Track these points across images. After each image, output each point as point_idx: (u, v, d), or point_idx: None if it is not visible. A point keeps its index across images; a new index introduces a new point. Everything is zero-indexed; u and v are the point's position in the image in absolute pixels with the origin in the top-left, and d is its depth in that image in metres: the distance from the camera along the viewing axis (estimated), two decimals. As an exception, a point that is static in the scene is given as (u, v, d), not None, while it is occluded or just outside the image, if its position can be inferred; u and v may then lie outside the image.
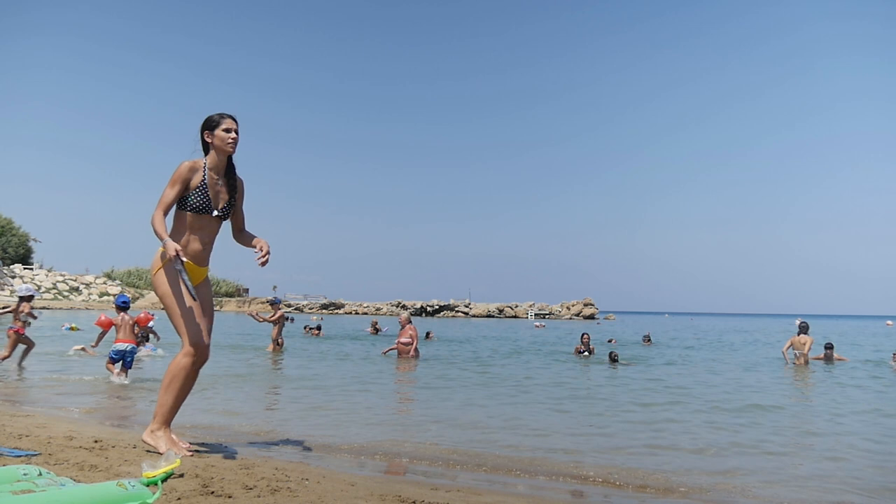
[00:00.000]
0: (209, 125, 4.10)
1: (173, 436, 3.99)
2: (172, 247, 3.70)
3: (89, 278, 65.14)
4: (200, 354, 3.97)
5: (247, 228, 4.40)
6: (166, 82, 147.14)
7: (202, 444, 4.46)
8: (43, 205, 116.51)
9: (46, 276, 61.52)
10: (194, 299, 3.89)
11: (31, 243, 66.88)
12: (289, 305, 68.21)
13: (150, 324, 11.71)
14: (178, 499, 2.85)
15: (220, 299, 71.64)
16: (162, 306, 4.04)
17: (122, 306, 9.09)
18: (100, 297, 62.87)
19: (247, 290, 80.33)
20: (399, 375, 10.91)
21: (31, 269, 62.17)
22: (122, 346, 8.71)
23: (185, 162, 3.99)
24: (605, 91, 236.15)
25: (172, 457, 3.11)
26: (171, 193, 3.92)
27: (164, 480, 2.92)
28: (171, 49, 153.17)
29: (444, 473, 4.32)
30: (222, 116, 4.11)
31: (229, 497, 2.97)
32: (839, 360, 14.61)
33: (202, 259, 4.12)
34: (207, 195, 4.01)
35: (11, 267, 60.10)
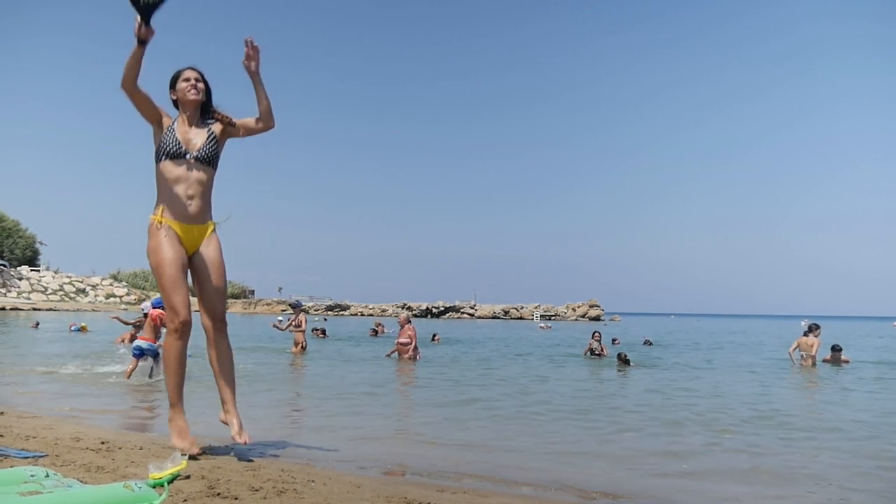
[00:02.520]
0: (171, 84, 4.00)
1: (183, 424, 3.92)
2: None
3: (95, 280, 65.46)
4: (181, 327, 3.74)
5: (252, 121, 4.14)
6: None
7: (208, 446, 4.46)
8: (49, 207, 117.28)
9: (53, 277, 61.82)
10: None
11: (38, 245, 67.18)
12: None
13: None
14: (185, 500, 2.86)
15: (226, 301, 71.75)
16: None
17: (158, 306, 9.20)
18: (106, 298, 63.10)
19: (252, 292, 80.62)
20: (403, 378, 10.90)
21: (38, 270, 62.47)
22: (142, 343, 8.99)
23: None
24: (607, 91, 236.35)
25: (179, 458, 3.11)
26: (143, 96, 3.80)
27: (170, 482, 2.92)
28: (173, 50, 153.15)
29: (449, 476, 4.32)
30: (180, 71, 3.99)
31: (235, 499, 2.97)
32: (844, 361, 14.48)
33: (190, 216, 3.85)
34: (176, 137, 3.81)
35: (18, 269, 60.35)
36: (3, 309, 45.64)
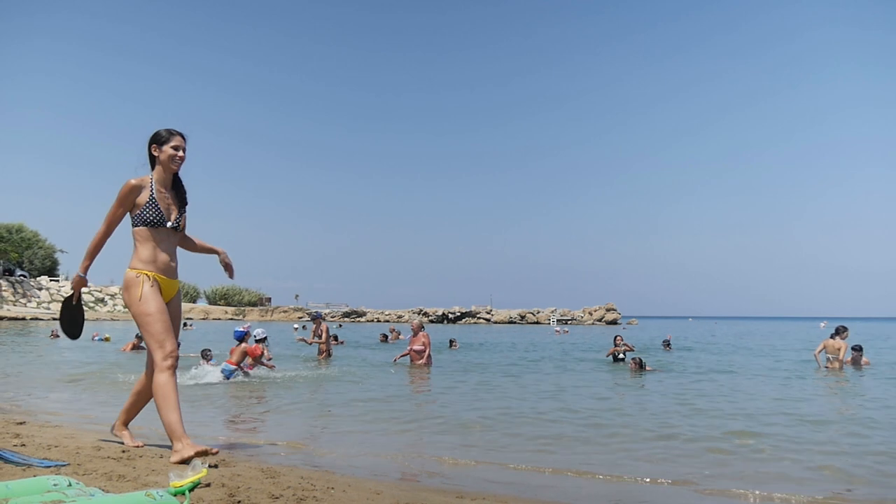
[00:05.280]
0: (157, 140, 4.20)
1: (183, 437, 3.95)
2: (74, 283, 4.19)
3: (114, 289, 65.94)
4: (173, 362, 4.04)
5: (191, 235, 4.57)
6: (178, 95, 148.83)
7: (229, 453, 4.47)
8: (67, 216, 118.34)
9: (72, 287, 62.34)
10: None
11: (58, 255, 67.83)
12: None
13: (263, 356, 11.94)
14: (206, 508, 2.86)
15: (243, 308, 72.16)
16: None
17: (238, 338, 11.12)
18: (124, 307, 63.51)
19: (269, 300, 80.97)
20: (420, 386, 10.88)
21: (57, 280, 63.01)
22: (226, 366, 10.68)
23: (130, 180, 4.10)
24: (619, 95, 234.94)
25: (199, 466, 3.12)
26: (118, 212, 4.12)
27: (191, 490, 2.93)
28: (171, 55, 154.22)
29: (468, 483, 4.30)
30: (171, 133, 4.22)
31: (256, 506, 2.97)
32: (865, 363, 14.21)
33: (172, 271, 4.25)
34: (159, 209, 4.14)
35: (38, 279, 60.95)
36: (24, 319, 46.15)
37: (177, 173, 4.31)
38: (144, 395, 4.41)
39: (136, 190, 4.10)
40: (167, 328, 4.04)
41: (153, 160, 4.23)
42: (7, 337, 22.85)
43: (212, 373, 10.69)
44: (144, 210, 4.10)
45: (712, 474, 4.63)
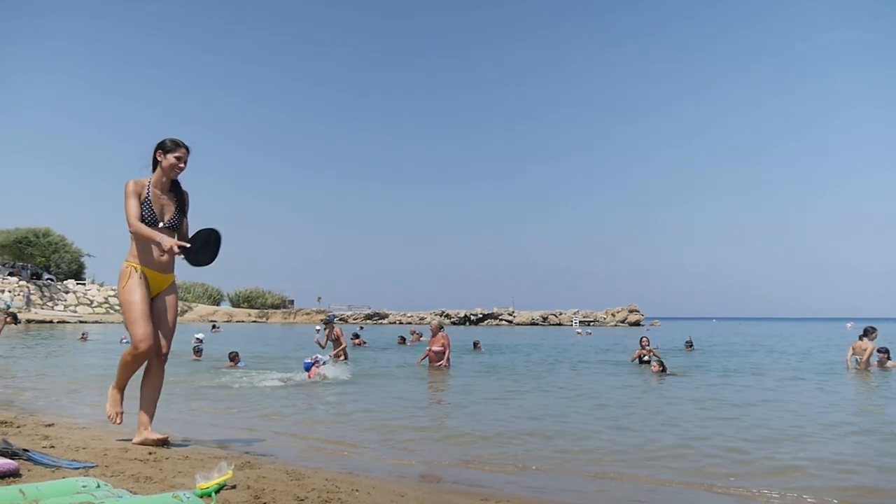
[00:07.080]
0: (163, 147, 4.54)
1: (118, 398, 4.70)
2: (168, 242, 4.20)
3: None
4: (141, 353, 4.39)
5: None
6: (180, 96, 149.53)
7: (254, 456, 4.50)
8: (92, 220, 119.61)
9: (98, 290, 63.13)
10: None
11: (84, 259, 68.65)
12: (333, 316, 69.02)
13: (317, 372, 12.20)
14: (232, 510, 2.87)
15: (266, 311, 72.65)
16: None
17: (307, 368, 11.36)
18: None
19: (292, 302, 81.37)
20: (441, 388, 10.88)
21: (84, 284, 63.84)
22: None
23: (130, 180, 4.45)
24: (641, 91, 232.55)
25: (225, 468, 3.14)
26: (134, 204, 4.40)
27: (217, 492, 2.95)
28: (170, 57, 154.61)
29: (491, 485, 4.29)
30: (177, 145, 4.56)
31: (281, 508, 2.98)
32: (892, 366, 13.89)
33: (164, 266, 4.57)
34: (152, 209, 4.47)
35: (65, 282, 61.82)
36: (51, 322, 46.83)
37: (176, 179, 4.63)
38: (151, 389, 4.66)
39: (138, 187, 4.44)
40: (145, 316, 4.39)
41: (155, 163, 4.55)
42: (35, 340, 23.20)
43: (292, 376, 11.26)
44: (140, 210, 4.42)
45: (737, 483, 4.58)
